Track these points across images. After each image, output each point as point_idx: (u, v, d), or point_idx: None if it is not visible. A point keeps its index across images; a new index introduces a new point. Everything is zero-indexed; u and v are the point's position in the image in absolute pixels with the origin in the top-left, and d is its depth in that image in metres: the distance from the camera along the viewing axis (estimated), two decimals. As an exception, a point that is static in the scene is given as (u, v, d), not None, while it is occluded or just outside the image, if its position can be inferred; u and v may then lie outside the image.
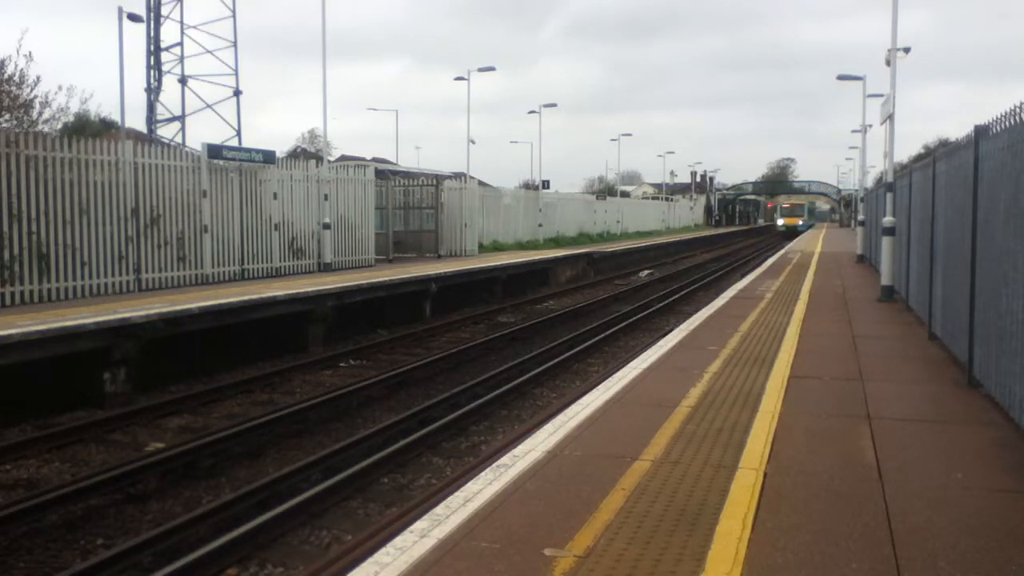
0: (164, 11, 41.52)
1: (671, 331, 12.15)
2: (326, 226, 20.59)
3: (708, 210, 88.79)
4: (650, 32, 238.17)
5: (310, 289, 15.14)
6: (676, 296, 22.84)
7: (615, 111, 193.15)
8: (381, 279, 17.57)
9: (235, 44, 43.28)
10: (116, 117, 27.62)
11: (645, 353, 9.70)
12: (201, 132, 62.18)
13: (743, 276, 23.16)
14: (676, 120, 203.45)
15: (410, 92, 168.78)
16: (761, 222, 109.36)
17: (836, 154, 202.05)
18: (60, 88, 42.45)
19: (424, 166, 34.57)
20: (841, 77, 30.85)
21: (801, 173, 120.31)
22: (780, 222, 72.77)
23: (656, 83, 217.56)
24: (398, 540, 4.13)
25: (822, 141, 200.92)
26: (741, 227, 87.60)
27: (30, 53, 26.00)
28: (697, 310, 14.84)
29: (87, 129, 32.24)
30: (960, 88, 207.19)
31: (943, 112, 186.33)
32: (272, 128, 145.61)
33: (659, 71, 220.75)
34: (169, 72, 41.96)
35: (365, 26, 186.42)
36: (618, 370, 8.86)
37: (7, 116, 23.10)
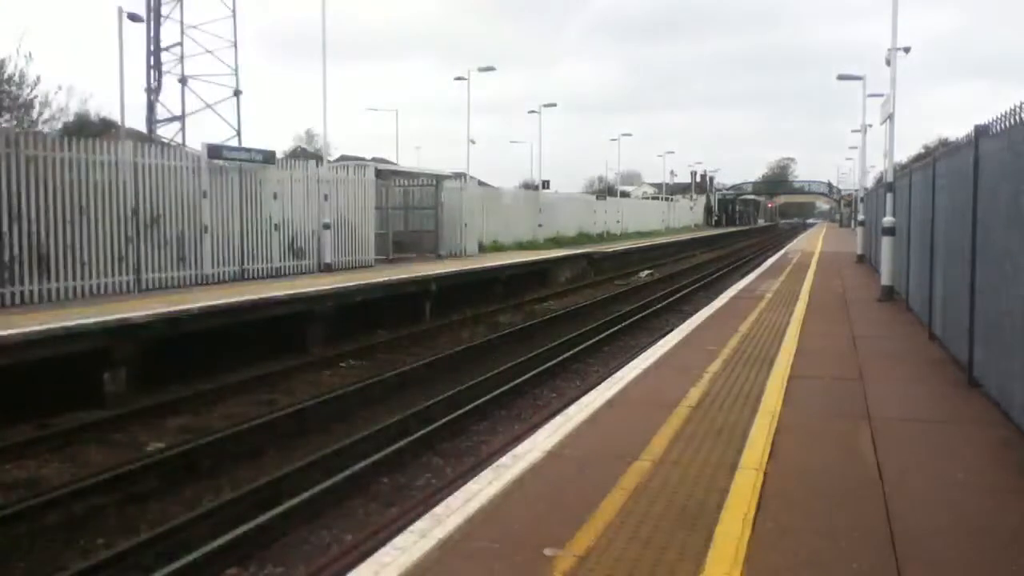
0: (164, 11, 41.52)
1: (671, 331, 12.15)
2: (326, 226, 20.58)
3: (708, 210, 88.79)
4: (659, 34, 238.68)
5: (310, 289, 15.14)
6: (676, 296, 22.84)
7: (621, 111, 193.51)
8: (381, 279, 17.57)
9: (235, 44, 43.30)
10: (116, 117, 27.66)
11: (645, 353, 9.70)
12: (201, 132, 62.22)
13: (743, 276, 23.16)
14: (679, 120, 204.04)
15: (422, 93, 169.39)
16: (761, 222, 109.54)
17: (837, 154, 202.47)
18: (60, 88, 42.61)
19: (424, 166, 34.54)
20: (841, 77, 30.80)
21: (801, 173, 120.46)
22: None
23: (661, 84, 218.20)
24: (398, 540, 4.13)
25: (823, 141, 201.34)
26: (741, 227, 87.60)
27: (30, 53, 26.05)
28: (697, 310, 14.84)
29: (87, 129, 32.26)
30: (966, 89, 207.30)
31: (950, 113, 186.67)
32: (278, 128, 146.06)
33: (665, 72, 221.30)
34: (169, 72, 41.96)
35: (377, 27, 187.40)
36: (618, 370, 8.86)
37: (7, 116, 23.12)
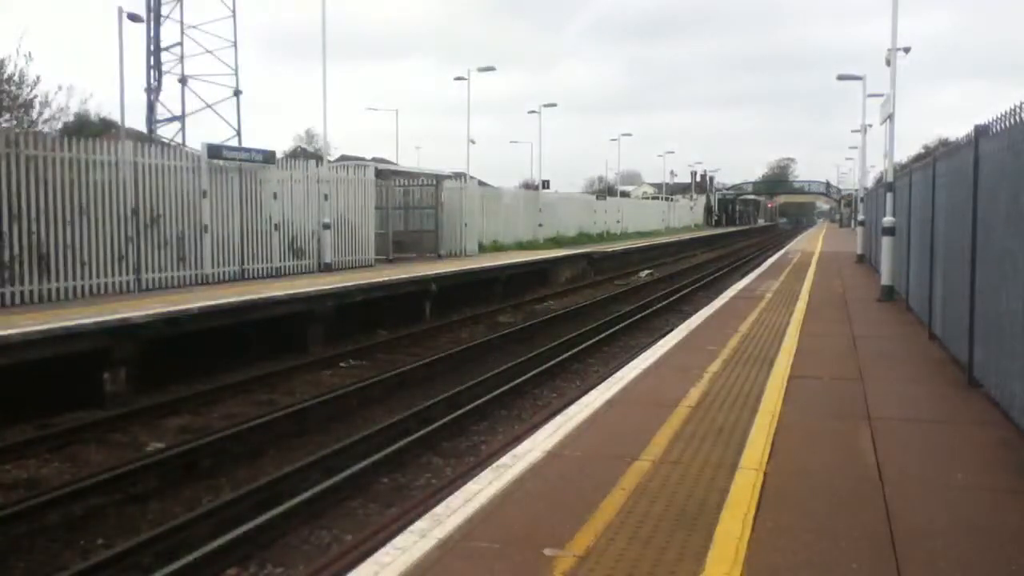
0: (164, 11, 41.58)
1: (671, 331, 12.15)
2: (326, 226, 20.58)
3: (708, 210, 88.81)
4: (658, 34, 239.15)
5: (310, 289, 15.14)
6: (676, 296, 22.84)
7: (621, 111, 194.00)
8: (381, 279, 17.57)
9: (235, 44, 43.33)
10: (116, 117, 27.68)
11: (645, 353, 9.70)
12: (201, 132, 62.37)
13: (743, 276, 23.16)
14: (679, 120, 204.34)
15: (422, 93, 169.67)
16: (761, 222, 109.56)
17: (837, 154, 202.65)
18: (60, 88, 42.64)
19: (424, 166, 34.55)
20: (841, 77, 30.79)
21: (801, 173, 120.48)
22: None
23: (661, 84, 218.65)
24: (398, 540, 4.13)
25: (823, 141, 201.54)
26: (741, 227, 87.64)
27: (30, 53, 26.06)
28: (697, 310, 14.84)
29: (87, 129, 32.22)
30: (966, 89, 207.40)
31: (950, 113, 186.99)
32: (278, 128, 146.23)
33: (665, 72, 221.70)
34: (169, 72, 42.02)
35: (377, 27, 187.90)
36: (618, 370, 8.86)
37: (7, 116, 23.12)
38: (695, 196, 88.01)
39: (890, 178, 16.32)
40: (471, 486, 4.92)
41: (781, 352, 9.44)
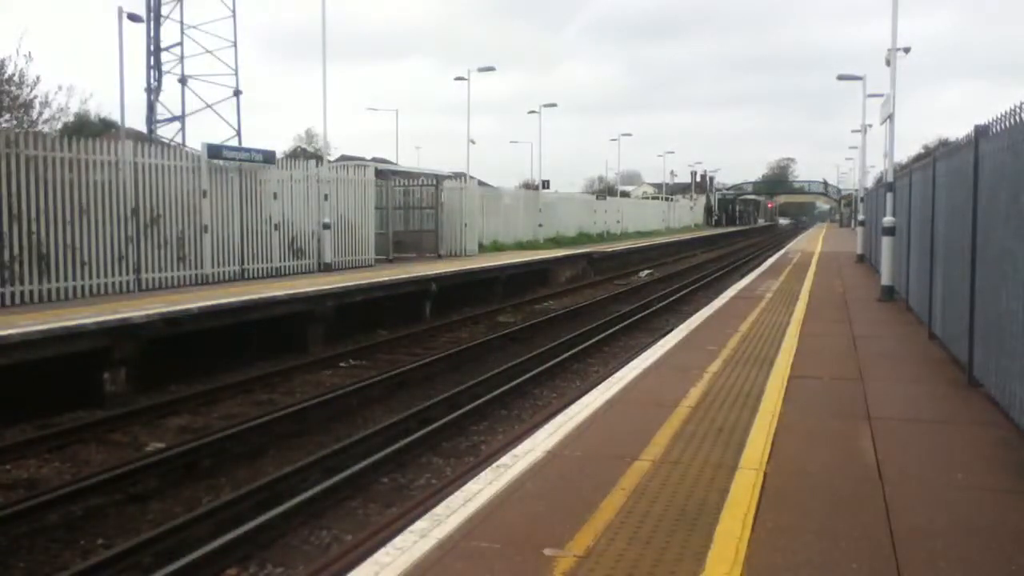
0: (164, 11, 41.59)
1: (671, 331, 12.15)
2: (326, 226, 20.58)
3: (708, 210, 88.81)
4: (659, 34, 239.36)
5: (310, 289, 15.14)
6: (676, 296, 22.84)
7: (621, 111, 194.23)
8: (381, 279, 17.57)
9: (235, 44, 43.34)
10: (116, 117, 27.70)
11: (645, 353, 9.70)
12: (201, 132, 62.42)
13: (743, 276, 23.16)
14: (679, 120, 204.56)
15: (422, 93, 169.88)
16: (761, 222, 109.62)
17: (837, 154, 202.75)
18: (60, 88, 42.71)
19: (424, 166, 34.55)
20: (841, 77, 30.78)
21: (801, 173, 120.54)
22: None
23: (661, 84, 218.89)
24: (398, 540, 4.13)
25: (823, 141, 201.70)
26: (741, 227, 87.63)
27: (30, 53, 26.07)
28: (697, 310, 14.84)
29: (87, 129, 32.23)
30: (966, 89, 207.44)
31: (950, 113, 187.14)
32: (278, 128, 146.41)
33: (665, 72, 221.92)
34: (169, 72, 42.03)
35: (377, 27, 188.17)
36: (618, 370, 8.85)
37: (7, 116, 23.13)
38: (695, 196, 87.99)
39: (890, 178, 16.32)
40: (471, 486, 4.92)
41: (781, 352, 9.44)
